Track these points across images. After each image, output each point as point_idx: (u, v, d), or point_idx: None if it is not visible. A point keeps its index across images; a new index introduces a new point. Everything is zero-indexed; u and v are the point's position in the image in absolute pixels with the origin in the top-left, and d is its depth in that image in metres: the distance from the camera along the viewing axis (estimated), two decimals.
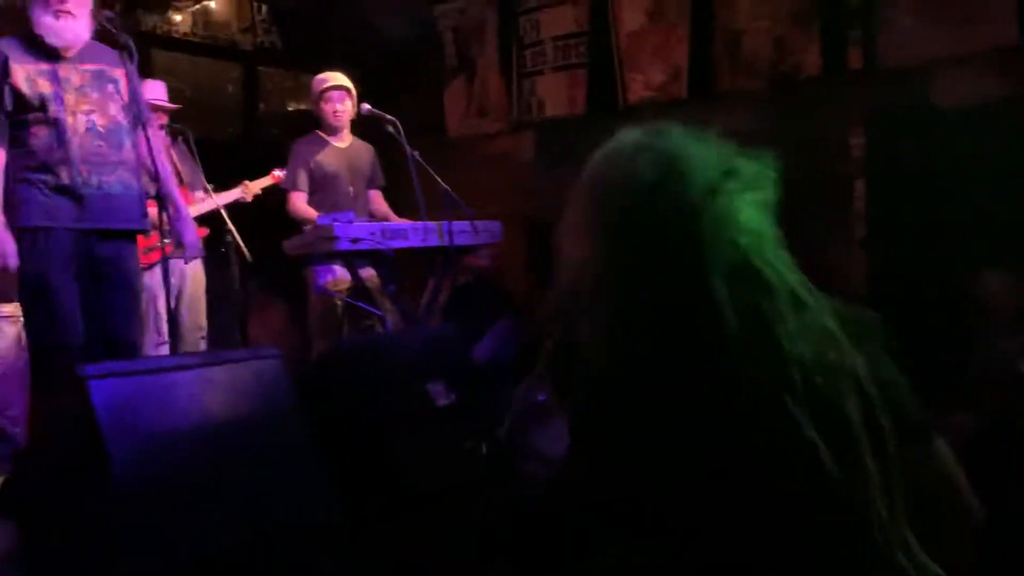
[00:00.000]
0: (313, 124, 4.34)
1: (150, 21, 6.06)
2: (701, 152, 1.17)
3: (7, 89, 2.84)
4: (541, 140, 5.98)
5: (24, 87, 2.86)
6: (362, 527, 2.44)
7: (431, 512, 2.54)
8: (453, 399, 2.77)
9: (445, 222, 3.77)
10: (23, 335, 3.93)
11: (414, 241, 3.73)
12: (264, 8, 6.46)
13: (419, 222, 3.81)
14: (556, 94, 5.84)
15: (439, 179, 3.87)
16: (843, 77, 4.72)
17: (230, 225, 4.22)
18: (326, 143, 4.23)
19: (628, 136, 1.27)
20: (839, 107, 4.71)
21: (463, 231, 3.83)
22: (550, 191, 5.72)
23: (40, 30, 2.89)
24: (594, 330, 1.16)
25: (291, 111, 6.85)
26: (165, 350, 3.76)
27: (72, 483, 2.18)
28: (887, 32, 4.59)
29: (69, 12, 2.89)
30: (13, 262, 2.80)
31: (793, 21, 5.06)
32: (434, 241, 3.78)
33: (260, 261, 4.42)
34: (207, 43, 6.37)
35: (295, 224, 4.18)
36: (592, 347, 1.15)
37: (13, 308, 3.96)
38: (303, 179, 4.16)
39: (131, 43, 2.99)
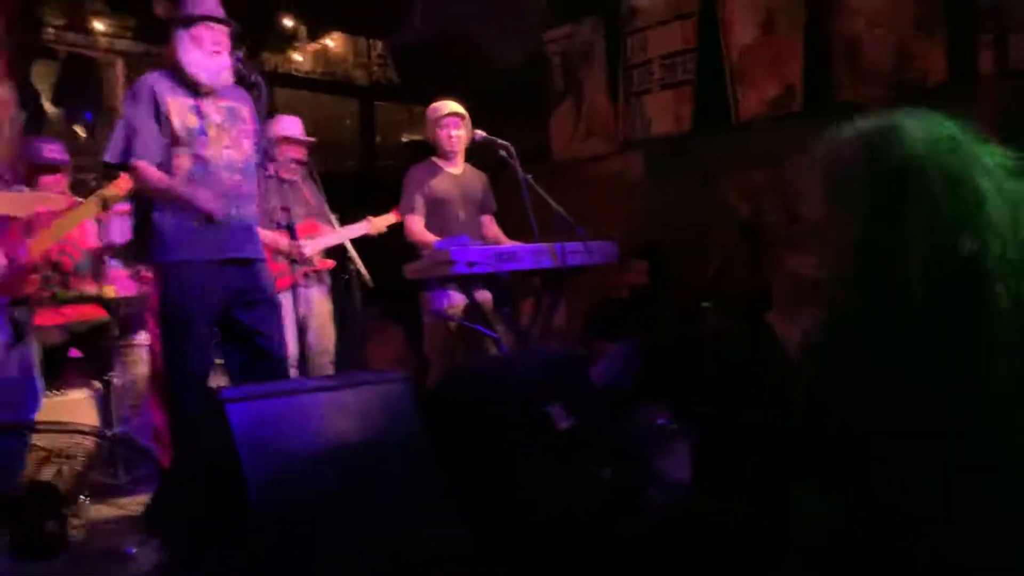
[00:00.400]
0: (426, 154, 4.44)
1: (273, 61, 6.39)
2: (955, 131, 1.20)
3: (163, 122, 3.03)
4: (650, 159, 5.93)
5: (174, 121, 3.04)
6: (486, 553, 2.44)
7: (555, 538, 2.52)
8: (574, 422, 2.74)
9: (558, 243, 3.76)
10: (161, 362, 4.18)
11: (528, 263, 3.74)
12: (379, 44, 6.70)
13: (532, 244, 3.82)
14: (663, 112, 5.80)
15: (551, 201, 3.87)
16: (973, 83, 4.49)
17: (352, 252, 4.35)
18: (440, 169, 4.31)
19: (867, 123, 1.26)
20: (969, 114, 4.47)
21: (576, 251, 3.82)
22: (661, 209, 5.68)
23: (192, 68, 3.07)
24: (865, 301, 1.14)
25: (405, 142, 7.06)
26: (293, 374, 3.89)
27: (212, 503, 2.27)
28: (1022, 33, 4.34)
29: (220, 52, 3.07)
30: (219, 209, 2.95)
31: (916, 26, 4.85)
32: (547, 263, 3.78)
33: (380, 287, 4.54)
34: (326, 80, 6.67)
35: (413, 249, 4.26)
36: (865, 319, 1.13)
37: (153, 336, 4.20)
38: (419, 203, 4.24)
39: (261, 82, 3.14)
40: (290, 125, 4.47)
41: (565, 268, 3.72)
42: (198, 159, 3.05)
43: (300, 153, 4.37)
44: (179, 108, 3.05)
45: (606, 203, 5.58)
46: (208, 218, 2.99)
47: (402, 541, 2.29)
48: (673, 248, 5.41)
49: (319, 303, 4.38)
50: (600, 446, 2.78)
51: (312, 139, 4.54)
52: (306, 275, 4.31)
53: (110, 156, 3.09)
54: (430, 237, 4.11)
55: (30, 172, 3.82)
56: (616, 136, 6.14)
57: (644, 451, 2.87)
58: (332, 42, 6.88)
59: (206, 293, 3.02)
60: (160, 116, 3.04)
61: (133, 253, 3.12)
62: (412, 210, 4.23)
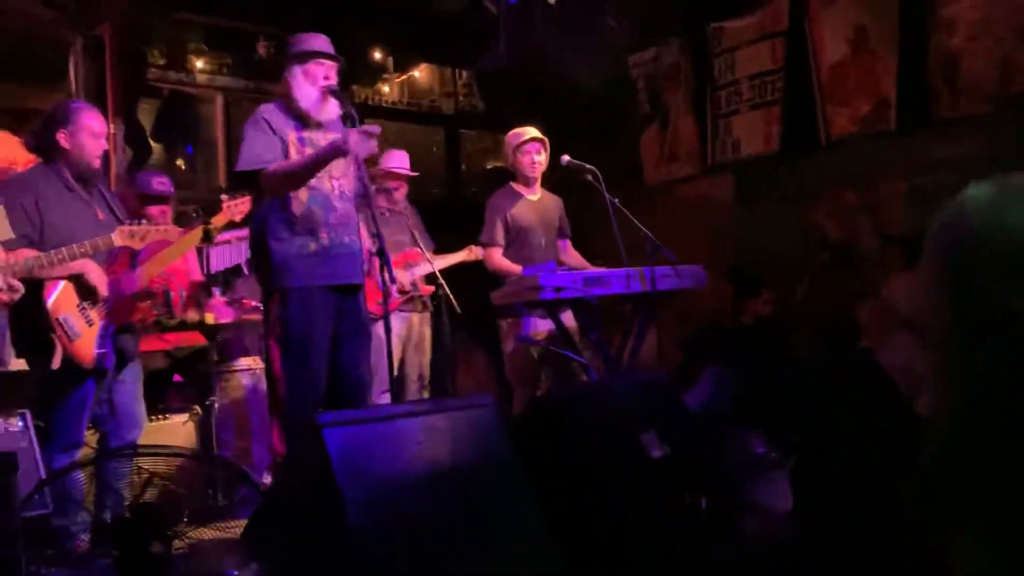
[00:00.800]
0: (510, 180, 4.46)
1: (362, 92, 6.57)
2: None
3: (282, 150, 3.15)
4: (738, 181, 5.83)
5: (292, 152, 3.16)
6: None
7: (649, 568, 2.45)
8: (667, 450, 2.68)
9: (647, 268, 3.72)
10: (259, 385, 4.29)
11: (616, 288, 3.71)
12: (464, 74, 6.81)
13: (620, 269, 3.78)
14: (752, 133, 5.69)
15: (640, 225, 3.83)
16: None
17: (441, 279, 4.41)
18: (520, 196, 4.34)
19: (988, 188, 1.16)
20: None
21: (665, 276, 3.77)
22: (749, 231, 5.56)
23: (303, 102, 3.21)
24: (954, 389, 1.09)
25: (490, 169, 7.13)
26: (387, 397, 3.95)
27: (310, 526, 2.30)
28: None
29: (330, 86, 3.19)
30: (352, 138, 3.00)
31: (1020, 37, 4.65)
32: (636, 287, 3.74)
33: (464, 312, 4.58)
34: (412, 110, 6.81)
35: (494, 277, 4.29)
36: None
37: (251, 361, 4.33)
38: (500, 233, 4.27)
39: (355, 112, 3.23)
40: (397, 159, 4.66)
41: (655, 293, 3.67)
42: (311, 189, 3.16)
43: (405, 185, 4.54)
44: (291, 140, 3.17)
45: (693, 226, 5.50)
46: (320, 248, 3.09)
47: (495, 565, 2.27)
48: (762, 271, 5.28)
49: (420, 328, 4.48)
50: (695, 474, 2.71)
51: (415, 172, 4.71)
52: (410, 300, 4.43)
53: (242, 165, 3.20)
54: (512, 266, 4.14)
55: (138, 202, 4.02)
56: (702, 158, 6.06)
57: (741, 480, 2.78)
58: (418, 73, 7.03)
59: (322, 317, 3.12)
60: (280, 144, 3.17)
61: (254, 273, 3.23)
62: (492, 240, 4.27)
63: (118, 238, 2.95)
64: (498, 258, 4.26)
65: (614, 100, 6.18)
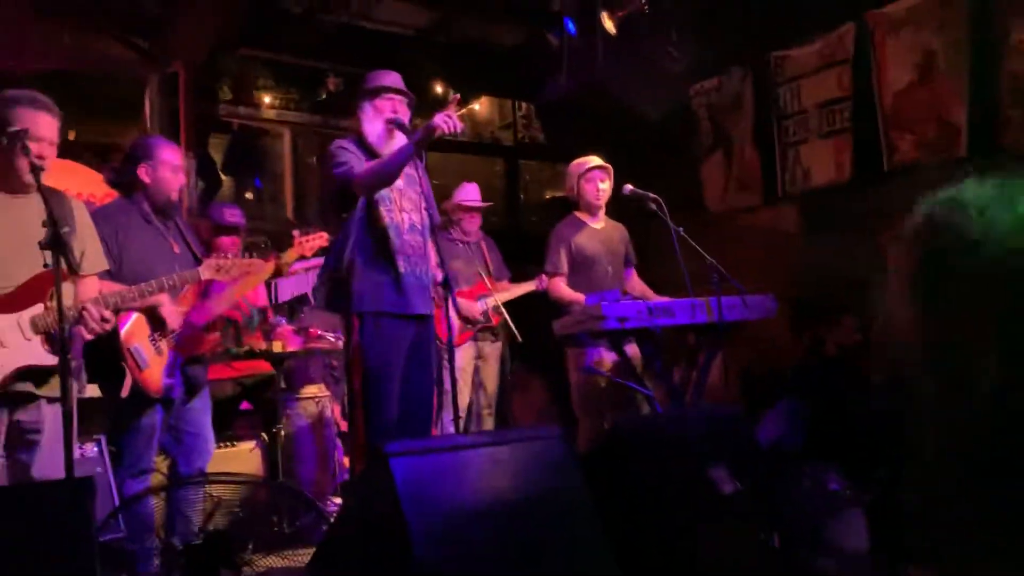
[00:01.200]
0: (568, 210, 4.46)
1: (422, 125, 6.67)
2: None
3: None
4: (805, 210, 5.72)
5: None
6: None
7: None
8: (738, 486, 2.61)
9: (713, 298, 3.66)
10: (324, 413, 4.34)
11: (682, 318, 3.66)
12: (524, 105, 6.87)
13: (686, 299, 3.73)
14: (822, 162, 5.59)
15: (705, 254, 3.78)
16: None
17: (503, 309, 4.42)
18: (584, 224, 4.33)
19: (968, 188, 1.13)
20: None
21: (733, 306, 3.70)
22: (818, 262, 5.44)
23: (372, 137, 3.28)
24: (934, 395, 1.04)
25: (549, 199, 7.15)
26: (452, 427, 3.96)
27: (376, 555, 2.29)
28: None
29: (399, 121, 3.27)
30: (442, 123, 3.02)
31: None
32: (702, 318, 3.69)
33: (524, 341, 4.58)
34: (473, 141, 6.89)
35: (554, 306, 4.28)
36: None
37: (316, 389, 4.38)
38: (564, 262, 4.26)
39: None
40: (468, 192, 4.73)
41: (722, 323, 3.60)
42: (386, 222, 3.23)
43: (478, 217, 4.60)
44: None
45: (758, 256, 5.41)
46: (393, 278, 3.14)
47: None
48: (832, 303, 5.15)
49: (490, 358, 4.50)
50: (767, 511, 2.63)
51: (487, 203, 4.77)
52: (482, 330, 4.47)
53: (338, 171, 3.25)
54: (574, 295, 4.12)
55: (211, 233, 4.13)
56: (766, 187, 5.97)
57: (815, 517, 2.69)
58: (478, 106, 7.12)
59: (397, 346, 3.16)
60: None
61: (328, 304, 3.28)
62: (556, 270, 4.27)
63: (205, 272, 3.03)
64: (561, 287, 4.25)
65: (675, 130, 6.15)
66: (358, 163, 3.21)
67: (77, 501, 2.07)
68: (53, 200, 2.73)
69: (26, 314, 2.63)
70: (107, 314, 2.76)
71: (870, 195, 5.33)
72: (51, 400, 2.67)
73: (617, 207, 4.48)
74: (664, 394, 3.90)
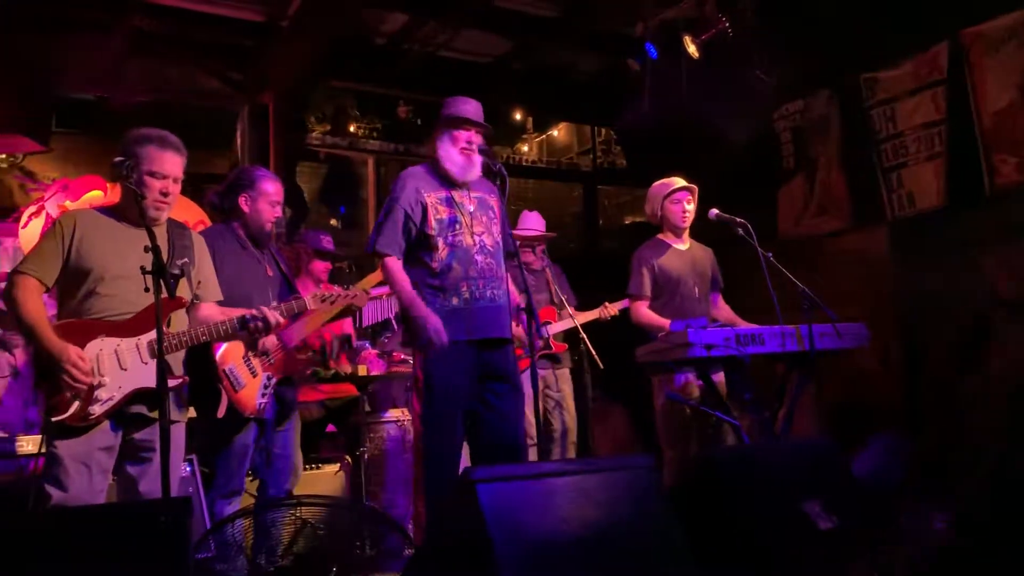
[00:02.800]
0: (648, 234, 4.39)
1: (503, 153, 6.74)
2: None
3: (420, 212, 3.25)
4: (897, 236, 5.52)
5: (431, 211, 3.26)
6: None
7: None
8: (835, 522, 2.51)
9: (804, 325, 3.54)
10: (407, 437, 4.37)
11: (771, 346, 3.55)
12: (603, 131, 6.86)
13: (775, 326, 3.62)
14: (923, 186, 5.39)
15: (796, 280, 3.67)
16: None
17: (583, 335, 4.37)
18: (668, 246, 4.25)
19: None
20: None
21: (825, 335, 3.57)
22: (911, 288, 5.22)
23: (447, 164, 3.31)
24: None
25: (627, 224, 7.11)
26: (534, 452, 3.92)
27: None
28: None
29: (473, 150, 3.29)
30: (443, 337, 3.07)
31: None
32: (792, 346, 3.57)
33: (606, 369, 4.52)
34: (551, 168, 6.92)
35: (640, 332, 4.20)
36: None
37: (399, 413, 4.42)
38: (647, 286, 4.18)
39: (504, 172, 3.29)
40: (531, 221, 4.75)
41: (813, 352, 3.48)
42: (454, 246, 3.23)
43: (543, 244, 4.60)
44: (436, 200, 3.27)
45: (844, 282, 5.24)
46: (462, 302, 3.15)
47: None
48: (928, 331, 4.95)
49: (559, 385, 4.45)
50: (867, 549, 2.52)
51: (552, 234, 4.77)
52: (544, 357, 4.43)
53: (369, 247, 3.36)
54: (660, 320, 4.02)
55: (307, 259, 4.25)
56: (855, 211, 5.79)
57: (919, 557, 2.56)
58: (557, 132, 7.15)
59: (463, 371, 3.15)
60: (418, 207, 3.26)
61: (403, 338, 3.33)
62: (640, 294, 4.19)
63: (311, 303, 3.08)
64: (644, 311, 4.16)
65: (759, 153, 6.04)
66: (391, 244, 3.25)
67: (176, 520, 2.12)
68: (175, 233, 2.88)
69: (144, 339, 2.74)
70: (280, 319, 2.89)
71: (966, 220, 5.12)
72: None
73: (696, 234, 4.40)
74: (752, 425, 3.79)
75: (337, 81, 6.11)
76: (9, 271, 2.80)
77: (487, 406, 3.20)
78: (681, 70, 5.15)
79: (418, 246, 3.26)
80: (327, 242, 4.40)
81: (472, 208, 3.31)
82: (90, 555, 2.00)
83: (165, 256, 2.80)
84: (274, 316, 2.88)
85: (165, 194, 2.81)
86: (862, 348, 3.87)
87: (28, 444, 3.45)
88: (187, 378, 2.86)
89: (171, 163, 2.82)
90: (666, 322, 3.90)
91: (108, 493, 2.85)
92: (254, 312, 2.87)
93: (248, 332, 2.91)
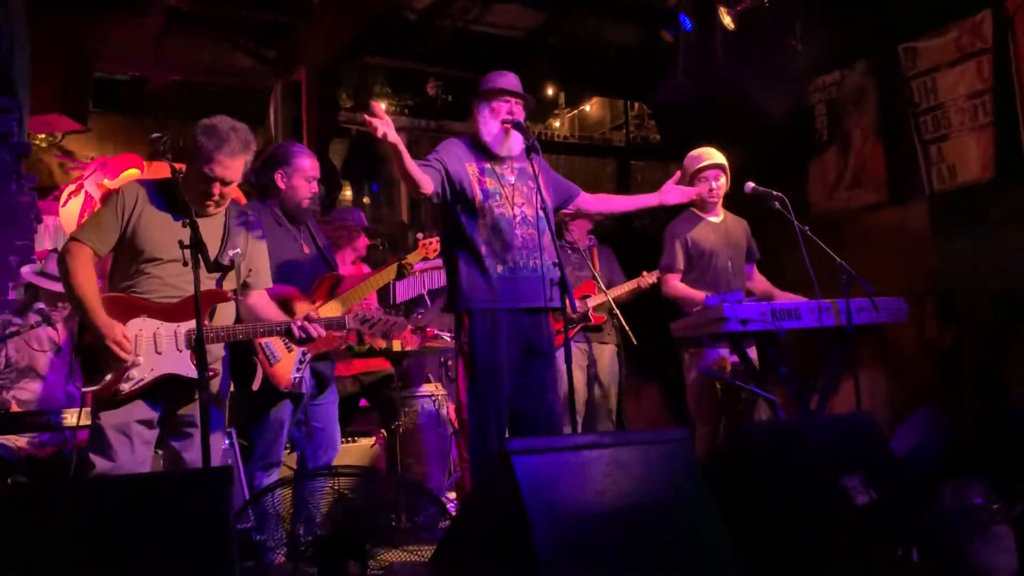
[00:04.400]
0: (680, 210, 4.34)
1: (534, 128, 6.71)
2: None
3: (462, 176, 3.24)
4: (937, 210, 5.41)
5: (473, 183, 3.25)
6: None
7: None
8: (874, 497, 2.48)
9: (841, 300, 3.50)
10: (440, 411, 4.40)
11: (808, 321, 3.51)
12: (636, 105, 6.79)
13: (812, 300, 3.58)
14: (967, 159, 5.26)
15: (833, 254, 3.62)
16: None
17: (616, 311, 4.36)
18: (700, 219, 4.21)
19: None
20: None
21: (863, 309, 3.53)
22: (951, 264, 5.13)
23: (487, 137, 3.30)
24: None
25: None
26: (569, 428, 3.93)
27: (499, 553, 2.29)
28: None
29: (511, 121, 3.27)
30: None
31: None
32: (830, 321, 3.52)
33: (640, 347, 4.50)
34: (583, 143, 6.87)
35: (674, 306, 4.16)
36: None
37: (432, 388, 4.45)
38: (680, 259, 4.15)
39: (536, 144, 3.27)
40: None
41: (851, 327, 3.44)
42: (496, 217, 3.22)
43: (586, 223, 4.58)
44: (476, 171, 3.26)
45: (880, 258, 5.15)
46: (505, 272, 3.16)
47: None
48: (969, 309, 4.85)
49: (602, 360, 4.45)
50: (905, 526, 2.49)
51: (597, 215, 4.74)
52: (581, 330, 4.43)
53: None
54: (694, 293, 3.99)
55: (352, 234, 4.29)
56: (891, 185, 5.68)
57: (957, 533, 2.53)
58: (589, 107, 7.09)
59: (507, 341, 3.16)
60: (461, 170, 3.25)
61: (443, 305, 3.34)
62: (672, 267, 4.16)
63: (351, 322, 3.08)
64: (676, 284, 4.13)
65: (793, 127, 5.93)
66: (436, 168, 3.20)
67: (217, 489, 2.16)
68: (232, 219, 2.91)
69: (183, 327, 2.78)
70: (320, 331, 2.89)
71: (1011, 193, 4.99)
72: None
73: (731, 207, 4.34)
74: (786, 400, 3.75)
75: (369, 58, 6.10)
76: (65, 239, 2.84)
77: (527, 376, 3.22)
78: (716, 42, 5.06)
79: (460, 218, 3.25)
80: (364, 218, 4.44)
81: (512, 179, 3.30)
82: (131, 523, 2.04)
83: (218, 245, 2.82)
84: (317, 331, 2.86)
85: (224, 197, 2.82)
86: (900, 324, 3.81)
87: (71, 417, 3.53)
88: (219, 371, 2.88)
89: (236, 170, 2.80)
90: (699, 295, 3.87)
91: (156, 467, 2.91)
92: (300, 324, 2.86)
93: (290, 339, 2.93)
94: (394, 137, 2.94)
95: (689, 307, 3.94)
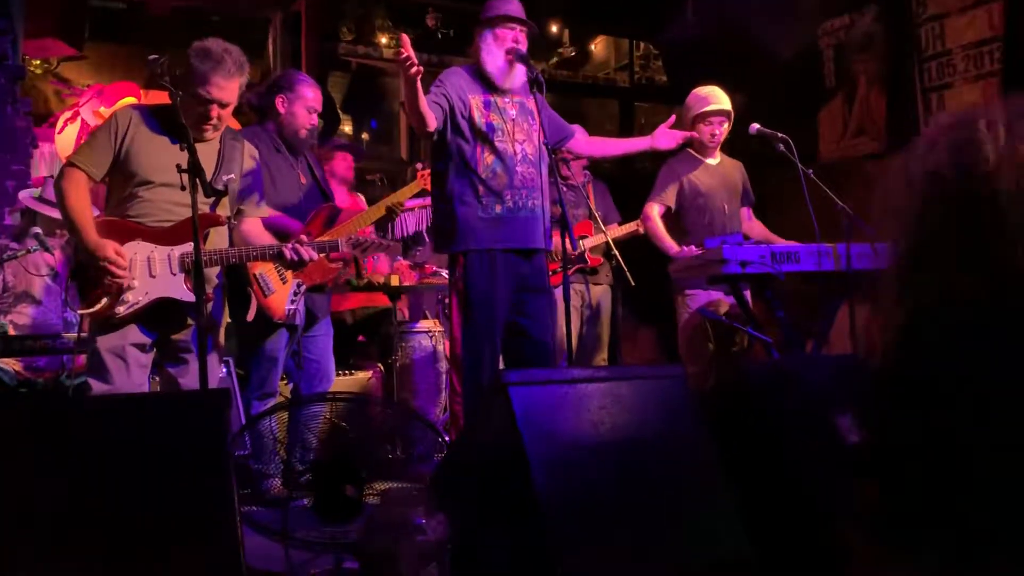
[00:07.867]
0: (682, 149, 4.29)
1: (537, 66, 6.58)
2: None
3: (459, 116, 3.18)
4: None
5: (475, 115, 3.18)
6: (767, 564, 2.29)
7: (841, 556, 2.31)
8: (865, 436, 2.50)
9: (842, 244, 3.48)
10: (437, 348, 4.41)
11: (807, 265, 3.50)
12: (642, 45, 6.67)
13: (812, 244, 3.57)
14: (965, 108, 5.19)
15: (835, 198, 3.60)
16: None
17: (615, 252, 4.34)
18: (699, 161, 4.19)
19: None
20: None
21: (863, 254, 3.51)
22: None
23: (490, 67, 3.21)
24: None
25: None
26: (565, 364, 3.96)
27: (495, 482, 2.32)
28: None
29: (516, 53, 3.19)
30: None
31: None
32: (829, 265, 3.52)
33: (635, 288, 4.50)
34: (587, 83, 6.76)
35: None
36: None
37: (430, 324, 4.45)
38: (670, 194, 4.13)
39: (541, 77, 3.21)
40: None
41: (850, 272, 3.43)
42: (497, 153, 3.17)
43: (584, 160, 4.52)
44: (478, 103, 3.19)
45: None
46: (504, 211, 3.12)
47: (680, 541, 2.20)
48: None
49: (597, 300, 4.45)
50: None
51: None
52: (578, 271, 4.42)
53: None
54: (665, 237, 3.99)
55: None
56: (891, 133, 5.61)
57: None
58: (594, 46, 6.96)
59: (503, 281, 3.14)
60: (462, 102, 3.18)
61: (435, 245, 3.31)
62: (659, 198, 4.11)
63: (343, 245, 3.06)
64: (656, 220, 4.08)
65: (802, 73, 5.83)
66: (441, 105, 3.12)
67: (215, 410, 2.17)
68: (227, 144, 2.87)
69: (177, 250, 2.76)
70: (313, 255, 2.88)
71: None
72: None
73: (734, 152, 4.30)
74: (782, 343, 3.77)
75: None
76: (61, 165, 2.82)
77: (522, 314, 3.21)
78: None
79: (461, 152, 3.19)
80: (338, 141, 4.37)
81: (514, 114, 3.24)
82: (127, 443, 2.05)
83: (212, 170, 2.80)
84: (309, 254, 2.85)
85: (220, 119, 2.80)
86: None
87: (68, 341, 3.53)
88: (212, 296, 2.87)
89: (232, 92, 2.78)
90: (671, 244, 3.89)
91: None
92: (291, 247, 2.84)
93: (281, 263, 2.92)
94: (418, 71, 2.88)
95: (662, 248, 3.95)
